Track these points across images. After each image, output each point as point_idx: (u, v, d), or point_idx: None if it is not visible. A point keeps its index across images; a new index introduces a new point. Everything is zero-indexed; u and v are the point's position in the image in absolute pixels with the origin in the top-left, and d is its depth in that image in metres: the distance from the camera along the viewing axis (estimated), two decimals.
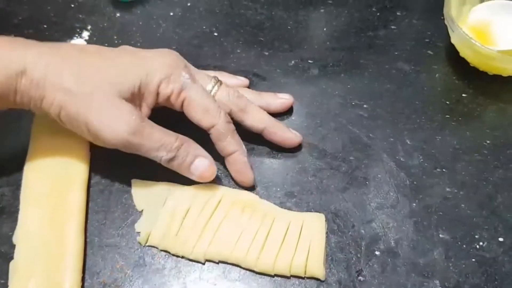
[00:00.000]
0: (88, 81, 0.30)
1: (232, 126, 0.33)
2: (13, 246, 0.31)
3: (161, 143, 0.31)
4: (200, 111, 0.32)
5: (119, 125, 0.30)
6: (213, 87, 0.34)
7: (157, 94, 0.32)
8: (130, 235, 0.33)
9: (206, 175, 0.32)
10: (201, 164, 0.32)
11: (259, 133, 0.35)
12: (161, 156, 0.31)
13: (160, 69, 0.32)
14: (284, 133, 0.36)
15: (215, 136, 0.33)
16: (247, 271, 0.32)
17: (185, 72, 0.32)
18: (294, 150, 0.37)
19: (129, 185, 0.35)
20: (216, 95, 0.34)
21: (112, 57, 0.32)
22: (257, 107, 0.36)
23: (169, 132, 0.32)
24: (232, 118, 0.34)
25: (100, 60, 0.31)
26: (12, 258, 0.31)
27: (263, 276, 0.32)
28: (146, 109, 0.32)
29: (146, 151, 0.31)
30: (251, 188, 0.35)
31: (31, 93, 0.30)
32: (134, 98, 0.31)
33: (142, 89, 0.31)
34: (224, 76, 0.37)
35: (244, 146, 0.34)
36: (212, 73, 0.36)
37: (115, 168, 0.35)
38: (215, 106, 0.32)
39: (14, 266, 0.31)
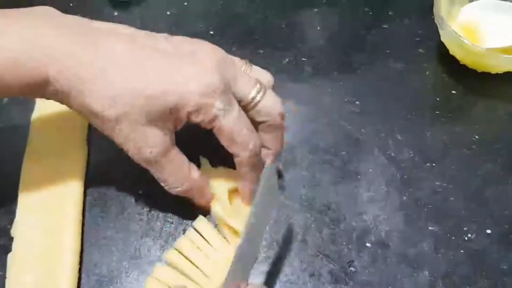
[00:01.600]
0: (114, 104, 0.28)
1: (256, 160, 0.31)
2: (11, 239, 0.32)
3: (167, 180, 0.31)
4: (228, 140, 0.30)
5: (141, 152, 0.29)
6: (257, 93, 0.31)
7: (187, 120, 0.30)
8: (126, 228, 0.33)
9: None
10: (203, 203, 0.33)
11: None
12: (165, 186, 0.31)
13: (193, 97, 0.28)
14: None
15: (236, 161, 0.31)
16: None
17: (221, 100, 0.29)
18: (287, 145, 0.38)
19: (126, 179, 0.35)
20: (259, 104, 0.31)
21: (152, 60, 0.28)
22: (282, 133, 0.33)
23: (180, 170, 0.31)
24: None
25: (132, 72, 0.28)
26: (10, 250, 0.32)
27: (255, 267, 0.32)
28: (177, 127, 0.30)
29: (157, 179, 0.31)
30: None
31: (58, 98, 0.29)
32: (163, 120, 0.29)
33: (172, 114, 0.29)
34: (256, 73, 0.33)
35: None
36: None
37: (113, 162, 0.36)
38: (245, 137, 0.30)
39: (12, 259, 0.31)
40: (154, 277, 0.31)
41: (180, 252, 0.32)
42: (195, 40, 0.31)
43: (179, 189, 0.31)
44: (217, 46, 0.31)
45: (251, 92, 0.30)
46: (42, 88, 0.28)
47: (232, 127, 0.29)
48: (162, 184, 0.31)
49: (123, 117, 0.28)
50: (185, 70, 0.29)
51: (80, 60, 0.27)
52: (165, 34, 0.31)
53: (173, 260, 0.31)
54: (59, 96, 0.29)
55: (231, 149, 0.30)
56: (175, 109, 0.28)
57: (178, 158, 0.31)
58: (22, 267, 0.31)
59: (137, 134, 0.28)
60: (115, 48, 0.28)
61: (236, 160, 0.31)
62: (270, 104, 0.31)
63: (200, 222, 0.33)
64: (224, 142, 0.30)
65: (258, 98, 0.30)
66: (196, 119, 0.29)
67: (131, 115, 0.28)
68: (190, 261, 0.31)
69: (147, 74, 0.28)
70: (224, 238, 0.33)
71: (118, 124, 0.28)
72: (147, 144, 0.29)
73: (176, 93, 0.28)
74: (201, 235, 0.32)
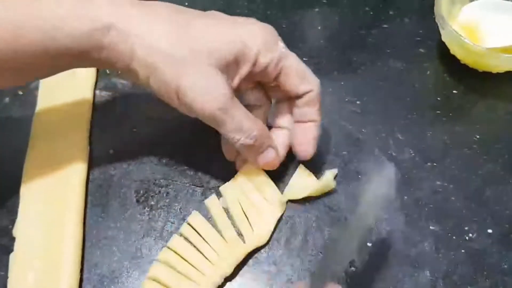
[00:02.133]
0: (184, 44, 0.28)
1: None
2: (13, 239, 0.32)
3: (241, 126, 0.30)
4: (298, 78, 0.32)
5: (211, 97, 0.29)
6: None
7: (255, 63, 0.30)
8: (127, 228, 0.34)
9: (270, 165, 0.33)
10: (269, 155, 0.32)
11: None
12: (238, 139, 0.30)
13: (259, 36, 0.30)
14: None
15: (304, 102, 0.32)
16: (242, 263, 0.32)
17: (280, 41, 0.31)
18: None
19: (127, 179, 0.36)
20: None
21: (209, 19, 0.30)
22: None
23: (250, 116, 0.31)
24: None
25: (198, 22, 0.30)
26: (12, 250, 0.32)
27: (256, 267, 0.32)
28: (237, 81, 0.31)
29: (226, 130, 0.30)
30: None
31: (119, 48, 0.28)
32: (229, 68, 0.30)
33: (239, 58, 0.30)
34: None
35: None
36: None
37: (113, 163, 0.36)
38: (312, 72, 0.32)
39: (14, 259, 0.31)
40: (149, 276, 0.31)
41: (173, 250, 0.32)
42: None
43: (252, 136, 0.30)
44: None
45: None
46: (103, 33, 0.28)
47: (299, 64, 0.32)
48: (233, 135, 0.30)
49: (193, 55, 0.28)
50: (244, 22, 0.31)
51: (146, 9, 0.29)
52: None
53: (167, 259, 0.31)
54: (120, 38, 0.28)
55: (302, 87, 0.32)
56: (242, 51, 0.30)
57: (242, 106, 0.30)
58: (24, 267, 0.31)
59: (207, 76, 0.29)
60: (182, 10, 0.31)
61: (308, 96, 0.32)
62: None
63: (195, 217, 0.33)
64: (293, 82, 0.32)
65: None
66: (265, 58, 0.30)
67: (200, 54, 0.29)
68: (184, 259, 0.31)
69: (210, 28, 0.30)
70: (219, 232, 0.33)
71: (188, 63, 0.28)
72: (217, 87, 0.29)
73: (242, 35, 0.30)
74: (195, 230, 0.32)
